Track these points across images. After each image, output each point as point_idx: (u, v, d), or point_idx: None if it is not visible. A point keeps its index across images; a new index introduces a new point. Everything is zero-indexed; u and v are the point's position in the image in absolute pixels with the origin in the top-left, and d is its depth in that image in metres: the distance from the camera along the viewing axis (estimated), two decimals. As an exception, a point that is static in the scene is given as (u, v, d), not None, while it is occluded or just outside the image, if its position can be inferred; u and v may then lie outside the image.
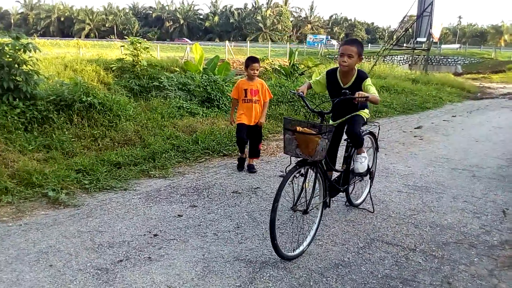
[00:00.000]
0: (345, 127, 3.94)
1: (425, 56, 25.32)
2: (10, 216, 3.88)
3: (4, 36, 6.21)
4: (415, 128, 9.24)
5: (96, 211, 4.09)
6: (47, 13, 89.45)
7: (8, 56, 5.97)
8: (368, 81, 3.67)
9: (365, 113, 3.97)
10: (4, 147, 5.10)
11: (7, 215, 3.91)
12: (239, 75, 13.41)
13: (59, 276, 2.93)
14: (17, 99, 5.89)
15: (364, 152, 4.02)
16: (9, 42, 5.97)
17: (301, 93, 3.61)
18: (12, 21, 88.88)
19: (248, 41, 48.29)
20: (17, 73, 5.96)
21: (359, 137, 3.84)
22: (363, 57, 3.84)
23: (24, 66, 6.13)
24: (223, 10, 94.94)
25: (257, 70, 5.45)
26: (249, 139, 5.63)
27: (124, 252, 3.30)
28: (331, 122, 4.06)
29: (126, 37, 11.59)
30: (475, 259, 3.37)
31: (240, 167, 5.66)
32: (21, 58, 6.07)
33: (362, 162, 3.99)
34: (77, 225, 3.76)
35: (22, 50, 5.99)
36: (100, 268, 3.05)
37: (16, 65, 6.02)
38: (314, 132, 3.12)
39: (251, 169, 5.59)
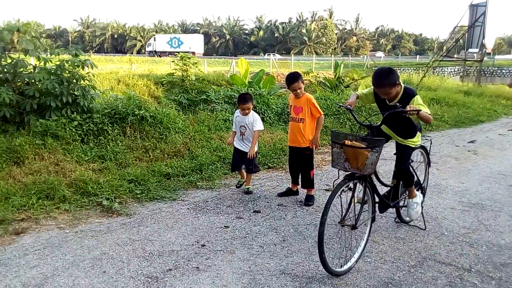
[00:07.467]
0: (395, 160, 3.84)
1: (478, 68, 24.27)
2: (67, 223, 4.09)
3: (64, 52, 6.62)
4: (468, 142, 8.83)
5: (147, 220, 4.22)
6: (101, 30, 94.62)
7: (67, 72, 6.38)
8: (418, 99, 3.45)
9: (414, 142, 3.78)
10: (63, 157, 5.41)
11: (64, 222, 4.12)
12: (284, 88, 13.43)
13: (112, 283, 3.04)
14: (75, 113, 6.26)
15: (416, 196, 3.88)
16: (69, 59, 6.37)
17: (349, 106, 3.57)
18: (70, 38, 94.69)
19: (292, 54, 48.35)
20: (75, 88, 6.33)
21: (409, 174, 3.72)
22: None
23: (82, 81, 6.51)
24: (268, 24, 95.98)
25: (299, 89, 4.69)
26: (297, 164, 5.00)
27: (173, 261, 3.38)
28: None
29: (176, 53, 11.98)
30: (538, 283, 3.16)
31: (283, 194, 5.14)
32: (79, 74, 6.47)
33: (414, 209, 3.88)
34: (129, 233, 3.90)
35: (80, 66, 6.38)
36: (150, 276, 3.14)
37: (74, 80, 6.42)
38: (363, 146, 3.07)
39: (307, 202, 4.87)
